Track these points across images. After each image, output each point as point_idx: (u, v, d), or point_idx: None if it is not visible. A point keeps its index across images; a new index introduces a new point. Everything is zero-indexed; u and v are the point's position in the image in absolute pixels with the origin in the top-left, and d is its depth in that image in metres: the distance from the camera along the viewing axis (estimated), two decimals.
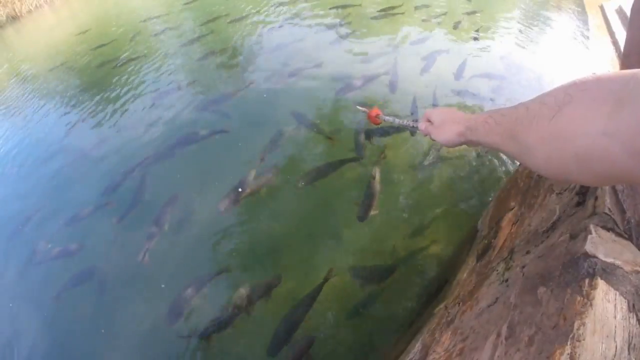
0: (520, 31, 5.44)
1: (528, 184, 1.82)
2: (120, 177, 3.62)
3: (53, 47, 8.69)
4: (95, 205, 3.41)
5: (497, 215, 2.08)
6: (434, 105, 3.75)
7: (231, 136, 3.75)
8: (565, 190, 1.32)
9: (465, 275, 2.01)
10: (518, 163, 2.49)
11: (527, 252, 1.21)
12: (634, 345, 0.74)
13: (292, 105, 3.97)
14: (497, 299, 1.15)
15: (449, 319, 1.56)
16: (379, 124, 1.37)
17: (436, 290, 2.26)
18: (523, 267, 1.12)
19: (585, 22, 5.73)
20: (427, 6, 6.30)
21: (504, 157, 3.10)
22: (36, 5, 13.54)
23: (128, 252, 2.90)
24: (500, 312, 1.06)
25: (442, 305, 1.89)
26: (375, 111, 1.33)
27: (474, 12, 6.03)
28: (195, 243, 2.86)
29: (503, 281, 1.21)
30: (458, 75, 4.22)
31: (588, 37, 5.20)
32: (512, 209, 1.86)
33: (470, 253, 2.19)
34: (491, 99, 3.83)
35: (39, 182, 4.04)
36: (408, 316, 2.22)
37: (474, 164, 3.11)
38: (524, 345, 0.83)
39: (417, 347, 1.69)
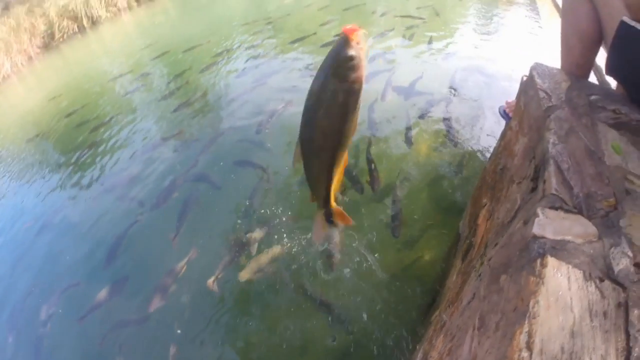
0: (474, 31, 5.65)
1: (494, 179, 1.88)
2: (103, 249, 3.61)
3: (25, 118, 8.72)
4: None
5: (474, 214, 2.13)
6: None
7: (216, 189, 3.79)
8: (524, 179, 1.37)
9: (454, 278, 2.04)
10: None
11: (495, 245, 1.25)
12: (596, 311, 0.78)
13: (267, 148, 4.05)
14: (474, 294, 1.18)
15: (442, 323, 1.58)
16: None
17: (432, 299, 2.28)
18: (489, 259, 1.16)
19: (536, 12, 5.95)
20: (377, 25, 6.52)
21: (480, 155, 3.19)
22: (4, 76, 13.50)
23: None
24: (476, 306, 1.09)
25: (437, 312, 1.91)
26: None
27: (423, 21, 6.26)
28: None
29: (478, 276, 1.24)
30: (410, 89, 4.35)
31: (541, 27, 5.39)
32: (485, 205, 1.91)
33: (457, 255, 2.22)
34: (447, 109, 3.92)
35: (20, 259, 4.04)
36: (412, 329, 2.22)
37: (449, 169, 3.16)
38: (492, 332, 0.86)
39: (419, 357, 1.70)
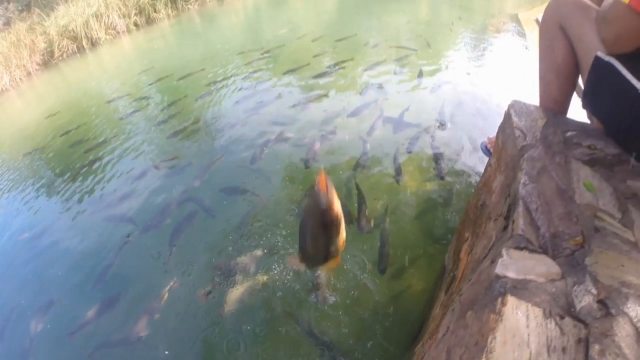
0: (464, 60, 5.78)
1: (476, 214, 1.94)
2: (97, 268, 3.63)
3: (21, 133, 8.78)
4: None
5: (458, 248, 2.19)
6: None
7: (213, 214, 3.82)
8: (499, 217, 1.44)
9: (437, 310, 2.08)
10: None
11: (469, 281, 1.31)
12: (555, 346, 0.83)
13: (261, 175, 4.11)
14: (447, 327, 1.23)
15: (422, 355, 1.62)
16: None
17: (418, 330, 2.31)
18: (461, 295, 1.22)
19: (523, 36, 6.14)
20: (369, 58, 6.65)
21: (467, 189, 3.26)
22: (2, 89, 13.65)
23: None
24: (447, 339, 1.14)
25: (420, 344, 1.95)
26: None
27: (415, 51, 6.39)
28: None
29: (452, 311, 1.30)
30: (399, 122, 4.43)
31: (528, 48, 5.58)
32: (467, 239, 1.97)
33: (441, 288, 2.27)
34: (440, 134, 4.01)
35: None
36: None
37: (437, 202, 3.23)
38: None
39: None
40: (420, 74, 5.49)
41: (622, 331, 0.86)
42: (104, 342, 2.90)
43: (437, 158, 3.67)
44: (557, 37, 1.77)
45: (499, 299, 0.91)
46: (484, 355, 0.80)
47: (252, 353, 2.50)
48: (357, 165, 3.82)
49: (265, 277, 2.91)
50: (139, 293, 3.24)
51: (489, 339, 0.83)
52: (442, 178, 3.41)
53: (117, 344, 2.87)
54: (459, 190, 3.30)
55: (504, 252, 1.03)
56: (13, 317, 3.46)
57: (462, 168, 3.54)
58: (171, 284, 3.14)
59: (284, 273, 2.91)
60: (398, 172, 3.59)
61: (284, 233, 3.29)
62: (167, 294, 3.07)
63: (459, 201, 3.18)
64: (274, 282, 2.85)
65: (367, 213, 3.21)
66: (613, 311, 0.91)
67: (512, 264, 0.99)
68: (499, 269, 0.97)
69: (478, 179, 3.11)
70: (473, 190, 2.99)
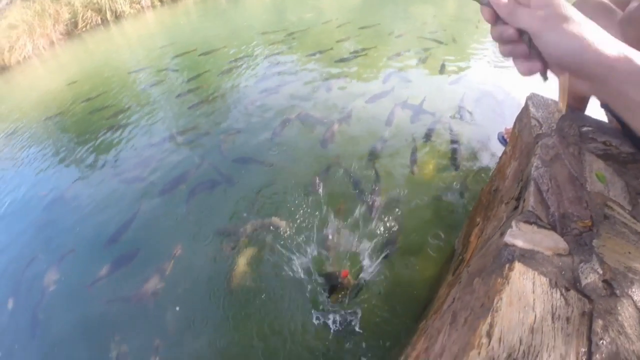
0: (489, 59, 5.71)
1: (488, 199, 1.98)
2: (114, 227, 3.73)
3: (43, 98, 8.81)
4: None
5: (468, 232, 2.22)
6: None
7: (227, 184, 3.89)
8: (511, 200, 1.48)
9: (443, 290, 2.13)
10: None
11: (478, 255, 1.35)
12: (559, 315, 0.88)
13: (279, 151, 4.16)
14: (453, 298, 1.28)
15: (426, 329, 1.67)
16: None
17: (423, 309, 2.36)
18: (469, 266, 1.26)
19: None
20: (394, 47, 6.63)
21: (482, 178, 3.28)
22: (25, 57, 13.68)
23: None
24: (453, 307, 1.19)
25: (424, 321, 2.00)
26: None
27: (441, 44, 6.37)
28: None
29: (459, 283, 1.34)
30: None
31: None
32: (478, 224, 2.01)
33: (449, 270, 2.32)
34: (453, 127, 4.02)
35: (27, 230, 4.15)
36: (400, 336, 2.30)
37: (452, 190, 3.25)
38: (461, 326, 0.96)
39: (401, 359, 1.79)
40: (443, 67, 5.48)
41: (626, 312, 0.90)
42: (119, 296, 3.00)
43: (453, 148, 3.70)
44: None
45: (507, 265, 0.95)
46: (489, 315, 0.85)
47: (259, 311, 2.59)
48: (374, 151, 3.85)
49: (274, 244, 2.99)
50: (153, 251, 3.33)
51: (495, 300, 0.87)
52: (456, 168, 3.43)
53: (130, 299, 2.96)
54: (472, 179, 3.32)
55: (513, 224, 1.07)
56: (30, 268, 3.58)
57: (477, 158, 3.57)
58: (182, 245, 3.25)
59: (293, 241, 2.98)
60: (413, 161, 3.62)
61: (295, 203, 3.37)
62: (179, 252, 3.18)
63: (472, 189, 3.21)
64: (284, 249, 2.92)
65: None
66: (618, 292, 0.95)
67: (520, 235, 1.03)
68: (507, 238, 1.01)
69: (492, 168, 3.13)
70: (486, 180, 3.03)
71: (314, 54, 6.83)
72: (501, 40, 0.65)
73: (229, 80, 6.68)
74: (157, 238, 3.48)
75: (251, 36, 9.06)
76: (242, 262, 2.91)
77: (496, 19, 0.63)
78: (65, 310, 3.11)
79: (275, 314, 2.54)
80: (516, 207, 1.29)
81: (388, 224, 3.00)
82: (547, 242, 1.03)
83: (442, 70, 5.42)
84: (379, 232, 2.93)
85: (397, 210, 3.11)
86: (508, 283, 0.90)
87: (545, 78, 0.63)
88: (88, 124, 6.45)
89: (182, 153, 4.70)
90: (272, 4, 13.53)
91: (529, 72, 0.63)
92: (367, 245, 2.80)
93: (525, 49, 0.62)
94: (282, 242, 2.99)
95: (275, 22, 10.16)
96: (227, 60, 7.62)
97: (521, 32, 0.61)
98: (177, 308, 2.76)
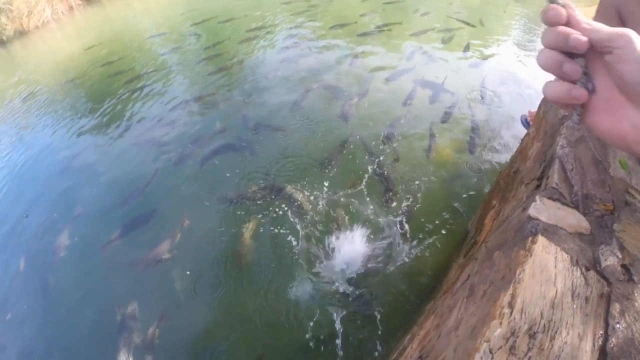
0: (516, 44, 5.57)
1: (507, 182, 1.96)
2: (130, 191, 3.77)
3: (62, 62, 8.83)
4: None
5: (483, 215, 2.21)
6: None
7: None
8: (532, 180, 1.45)
9: (453, 272, 2.12)
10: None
11: (496, 231, 1.34)
12: (578, 293, 0.86)
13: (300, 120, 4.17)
14: (468, 275, 1.27)
15: (434, 309, 1.67)
16: None
17: (431, 291, 2.36)
18: (487, 243, 1.25)
19: None
20: (417, 24, 6.54)
21: (498, 161, 3.25)
22: (43, 22, 13.67)
23: None
24: (469, 281, 1.18)
25: (431, 302, 2.00)
26: None
27: (468, 25, 6.23)
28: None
29: (474, 260, 1.34)
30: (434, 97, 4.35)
31: None
32: (494, 206, 1.99)
33: (461, 252, 2.31)
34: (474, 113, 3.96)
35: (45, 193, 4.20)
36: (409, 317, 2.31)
37: (468, 173, 3.22)
38: (479, 298, 0.95)
39: (407, 338, 1.80)
40: (467, 48, 5.38)
41: None
42: (134, 259, 3.02)
43: (473, 130, 3.65)
44: (613, 25, 1.70)
45: (530, 238, 0.94)
46: (511, 286, 0.84)
47: (268, 274, 2.64)
48: (392, 129, 3.81)
49: (287, 209, 3.03)
50: (167, 215, 3.37)
51: (518, 271, 0.86)
52: (472, 152, 3.39)
53: (142, 261, 3.00)
54: (490, 162, 3.28)
55: (537, 198, 1.06)
56: (42, 228, 3.63)
57: (496, 142, 3.51)
58: (194, 209, 3.28)
59: (303, 211, 3.00)
60: (431, 143, 3.57)
61: (311, 171, 3.40)
62: (188, 221, 3.20)
63: (489, 173, 3.18)
64: (295, 216, 2.95)
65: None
66: (635, 279, 0.93)
67: (544, 210, 1.02)
68: (532, 211, 1.00)
69: (512, 152, 3.09)
70: (503, 164, 3.00)
71: (337, 27, 6.75)
72: (555, 48, 0.51)
73: (250, 49, 6.63)
74: (172, 201, 3.51)
75: (273, 5, 8.94)
76: (251, 227, 2.94)
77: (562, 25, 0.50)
78: (76, 271, 3.16)
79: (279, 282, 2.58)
80: (538, 187, 1.27)
81: (402, 206, 2.98)
82: (570, 219, 1.02)
83: (466, 51, 5.33)
84: (391, 215, 2.91)
85: (409, 196, 3.07)
86: (531, 255, 0.89)
87: (578, 120, 0.52)
88: (106, 88, 6.45)
89: (201, 118, 4.72)
90: None
91: (565, 98, 0.50)
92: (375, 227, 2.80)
93: (576, 70, 0.49)
94: (294, 210, 3.01)
95: None
96: (247, 28, 7.56)
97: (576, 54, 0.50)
98: (188, 272, 2.80)
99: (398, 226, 2.80)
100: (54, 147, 5.03)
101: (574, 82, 0.50)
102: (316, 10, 8.02)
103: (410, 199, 3.02)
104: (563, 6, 0.49)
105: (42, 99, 6.97)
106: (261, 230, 2.94)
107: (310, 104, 4.44)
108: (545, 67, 0.51)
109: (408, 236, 2.74)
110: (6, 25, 14.90)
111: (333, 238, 2.71)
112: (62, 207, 3.84)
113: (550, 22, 0.50)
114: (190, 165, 3.85)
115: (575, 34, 0.48)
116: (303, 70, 5.36)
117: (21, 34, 13.24)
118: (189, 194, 3.50)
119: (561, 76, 0.50)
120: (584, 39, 0.48)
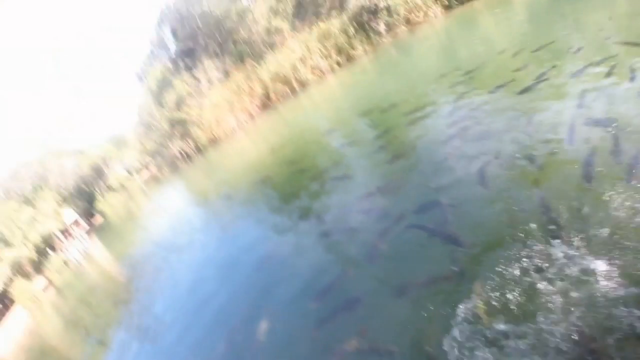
0: None
1: None
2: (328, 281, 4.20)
3: (252, 164, 9.94)
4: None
5: None
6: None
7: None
8: None
9: None
10: None
11: None
12: None
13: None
14: None
15: None
16: None
17: None
18: None
19: None
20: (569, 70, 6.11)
21: None
22: (231, 130, 16.67)
23: None
24: None
25: None
26: None
27: (626, 45, 5.75)
28: None
29: None
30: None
31: None
32: None
33: None
34: None
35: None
36: None
37: None
38: None
39: None
40: (634, 72, 4.90)
41: None
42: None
43: None
44: None
45: None
46: None
47: None
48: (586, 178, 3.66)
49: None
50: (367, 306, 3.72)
51: None
52: None
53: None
54: None
55: None
56: (240, 316, 4.32)
57: None
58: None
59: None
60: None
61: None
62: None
63: None
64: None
65: None
66: None
67: None
68: None
69: None
70: None
71: (496, 88, 6.70)
72: None
73: (420, 131, 6.87)
74: (365, 294, 3.84)
75: (429, 83, 9.26)
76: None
77: None
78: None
79: None
80: None
81: None
82: None
83: (633, 76, 4.86)
84: None
85: None
86: None
87: None
88: (293, 187, 7.28)
89: (384, 209, 4.99)
90: (440, 45, 13.88)
91: None
92: None
93: None
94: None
95: (447, 63, 10.28)
96: (409, 111, 7.87)
97: None
98: None
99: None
100: (248, 242, 5.87)
101: None
102: (471, 77, 8.16)
103: None
104: None
105: (240, 197, 8.21)
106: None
107: (496, 175, 4.40)
108: None
109: None
110: (200, 136, 18.61)
111: None
112: (258, 297, 4.55)
113: None
114: (383, 262, 4.17)
115: None
116: (475, 143, 5.38)
117: (213, 141, 16.08)
118: (379, 289, 3.87)
119: None
120: None
